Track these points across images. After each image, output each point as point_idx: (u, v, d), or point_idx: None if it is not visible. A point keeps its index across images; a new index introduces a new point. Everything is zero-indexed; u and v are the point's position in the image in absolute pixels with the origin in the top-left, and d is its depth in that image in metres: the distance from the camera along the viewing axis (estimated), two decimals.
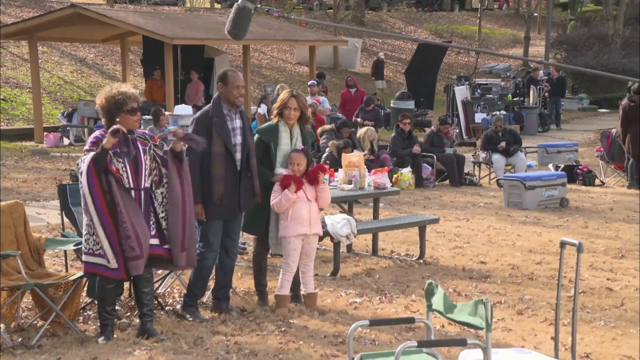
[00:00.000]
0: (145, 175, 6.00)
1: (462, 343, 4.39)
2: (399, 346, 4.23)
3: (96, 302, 6.83)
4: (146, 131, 6.33)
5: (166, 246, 6.04)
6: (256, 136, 7.09)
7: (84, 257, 5.97)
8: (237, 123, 6.74)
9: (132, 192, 5.92)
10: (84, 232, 5.98)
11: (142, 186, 5.97)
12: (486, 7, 48.62)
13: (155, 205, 6.06)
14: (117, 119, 5.96)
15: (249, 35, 5.07)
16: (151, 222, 6.01)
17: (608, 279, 8.26)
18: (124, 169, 5.90)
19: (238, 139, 6.71)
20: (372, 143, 14.20)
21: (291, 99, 7.02)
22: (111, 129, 5.80)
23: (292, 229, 6.87)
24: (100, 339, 6.00)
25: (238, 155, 6.70)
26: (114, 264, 5.83)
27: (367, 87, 27.60)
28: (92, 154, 5.81)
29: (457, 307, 4.37)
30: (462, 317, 4.30)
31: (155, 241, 6.00)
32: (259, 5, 4.69)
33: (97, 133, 6.02)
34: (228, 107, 6.72)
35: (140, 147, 6.04)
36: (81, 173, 5.82)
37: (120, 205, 5.77)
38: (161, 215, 6.06)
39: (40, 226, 10.02)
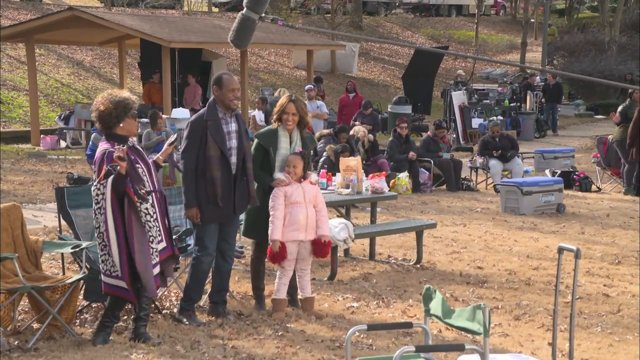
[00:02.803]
0: (155, 177, 6.07)
1: (459, 348, 4.40)
2: (396, 351, 4.23)
3: (95, 305, 6.85)
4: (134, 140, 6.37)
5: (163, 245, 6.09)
6: (255, 140, 7.09)
7: (103, 278, 5.98)
8: (233, 126, 6.72)
9: (153, 194, 5.96)
10: (99, 252, 5.95)
11: (158, 188, 6.05)
12: (483, 12, 48.67)
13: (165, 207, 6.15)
14: (121, 124, 5.97)
15: None
16: (165, 225, 6.06)
17: (605, 285, 8.27)
18: (143, 173, 5.95)
19: (233, 143, 6.70)
20: (364, 141, 14.33)
21: (290, 104, 7.00)
22: (116, 155, 5.73)
23: (287, 234, 6.86)
24: (97, 342, 5.98)
25: (233, 159, 6.69)
26: (128, 287, 5.91)
27: (365, 91, 27.61)
28: (111, 178, 5.80)
29: (455, 312, 4.37)
30: (460, 322, 4.30)
31: (163, 244, 6.06)
32: (263, 15, 4.67)
33: (106, 147, 5.92)
34: (223, 111, 6.71)
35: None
36: (105, 199, 5.80)
37: (135, 234, 5.80)
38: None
39: (37, 229, 10.00)
